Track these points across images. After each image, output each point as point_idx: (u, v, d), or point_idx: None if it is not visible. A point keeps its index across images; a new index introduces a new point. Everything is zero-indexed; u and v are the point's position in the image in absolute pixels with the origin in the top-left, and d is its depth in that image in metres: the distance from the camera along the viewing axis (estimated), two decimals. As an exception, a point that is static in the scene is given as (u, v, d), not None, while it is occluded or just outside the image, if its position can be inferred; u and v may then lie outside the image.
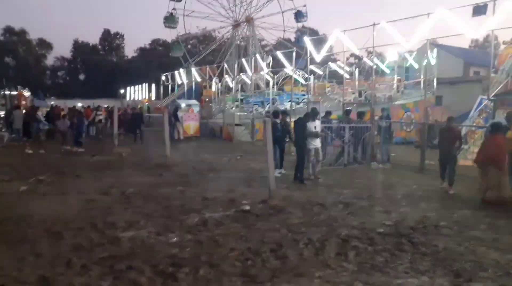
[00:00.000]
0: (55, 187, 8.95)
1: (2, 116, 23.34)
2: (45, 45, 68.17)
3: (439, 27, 14.15)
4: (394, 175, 11.27)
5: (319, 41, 23.07)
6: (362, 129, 12.75)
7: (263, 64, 24.12)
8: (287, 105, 23.68)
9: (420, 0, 63.66)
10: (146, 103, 35.50)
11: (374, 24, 14.61)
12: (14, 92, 31.24)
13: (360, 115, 13.80)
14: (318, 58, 18.81)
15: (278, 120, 10.89)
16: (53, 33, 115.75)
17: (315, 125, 10.26)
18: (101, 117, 20.86)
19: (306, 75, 23.41)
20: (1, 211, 6.85)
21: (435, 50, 22.75)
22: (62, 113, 21.90)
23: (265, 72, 23.96)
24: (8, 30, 63.50)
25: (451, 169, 8.98)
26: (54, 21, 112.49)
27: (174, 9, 43.27)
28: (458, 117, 14.55)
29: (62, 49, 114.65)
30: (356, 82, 21.76)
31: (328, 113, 13.65)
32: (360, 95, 22.90)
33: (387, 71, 24.45)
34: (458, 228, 6.22)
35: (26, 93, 33.56)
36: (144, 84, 38.12)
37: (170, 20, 43.34)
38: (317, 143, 10.39)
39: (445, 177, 9.13)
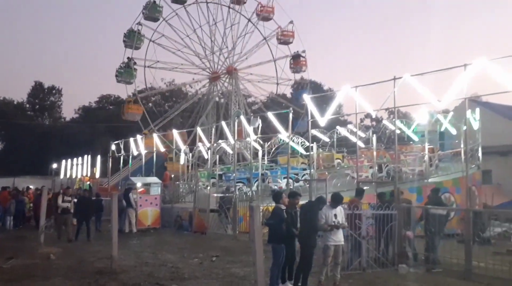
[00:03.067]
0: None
1: None
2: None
3: (481, 80, 15.06)
4: (430, 283, 11.14)
5: (324, 99, 24.22)
6: (386, 218, 12.83)
7: (249, 129, 24.52)
8: (283, 183, 23.95)
9: (451, 51, 68.07)
10: (88, 182, 35.30)
11: (394, 78, 15.30)
12: None
13: (381, 196, 14.03)
14: (322, 121, 19.44)
15: (282, 206, 10.36)
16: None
17: (335, 213, 10.47)
18: (68, 204, 19.22)
19: (307, 143, 23.83)
20: None
21: (477, 109, 23.35)
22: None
23: (253, 139, 24.35)
24: None
25: None
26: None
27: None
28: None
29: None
30: (374, 153, 21.82)
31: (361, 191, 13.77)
32: (380, 169, 23.26)
33: (415, 138, 25.08)
34: None
35: None
36: (86, 156, 37.75)
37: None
38: (339, 238, 10.55)
39: None
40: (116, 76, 46.28)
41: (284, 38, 50.84)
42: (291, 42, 51.04)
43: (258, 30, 51.60)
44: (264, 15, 50.32)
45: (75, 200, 20.22)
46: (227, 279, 11.41)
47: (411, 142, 25.86)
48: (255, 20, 51.23)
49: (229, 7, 50.26)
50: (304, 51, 51.05)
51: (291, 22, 50.82)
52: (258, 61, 51.47)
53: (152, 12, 47.08)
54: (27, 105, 74.15)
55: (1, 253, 14.90)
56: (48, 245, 15.59)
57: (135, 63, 45.93)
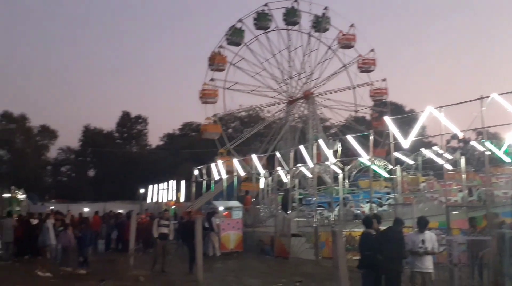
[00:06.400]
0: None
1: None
2: (47, 133, 71.43)
3: None
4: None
5: (406, 121, 24.01)
6: (479, 244, 12.27)
7: (328, 152, 24.39)
8: (365, 208, 23.70)
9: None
10: (173, 207, 36.18)
11: (481, 98, 15.16)
12: (7, 195, 32.79)
13: (472, 222, 13.52)
14: (406, 143, 19.09)
15: (373, 231, 10.32)
16: (60, 119, 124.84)
17: (423, 239, 10.16)
18: (166, 230, 17.15)
19: (390, 166, 23.28)
20: None
21: None
22: (66, 222, 22.15)
23: (332, 163, 24.07)
24: (6, 116, 66.87)
25: None
26: (63, 106, 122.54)
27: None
28: None
29: (69, 138, 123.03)
30: (463, 175, 21.03)
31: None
32: (470, 193, 22.31)
33: (508, 159, 23.38)
34: None
35: (21, 196, 35.39)
36: (171, 182, 39.47)
37: (235, 35, 47.67)
38: (425, 265, 10.16)
39: None
40: (227, 39, 48.18)
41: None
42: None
43: (337, 57, 51.18)
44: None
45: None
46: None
47: (503, 164, 24.16)
48: (336, 47, 50.83)
49: (309, 34, 50.22)
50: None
51: (372, 50, 50.16)
52: (336, 87, 51.15)
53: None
54: (116, 134, 77.26)
55: (94, 275, 15.42)
56: (137, 268, 15.86)
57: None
